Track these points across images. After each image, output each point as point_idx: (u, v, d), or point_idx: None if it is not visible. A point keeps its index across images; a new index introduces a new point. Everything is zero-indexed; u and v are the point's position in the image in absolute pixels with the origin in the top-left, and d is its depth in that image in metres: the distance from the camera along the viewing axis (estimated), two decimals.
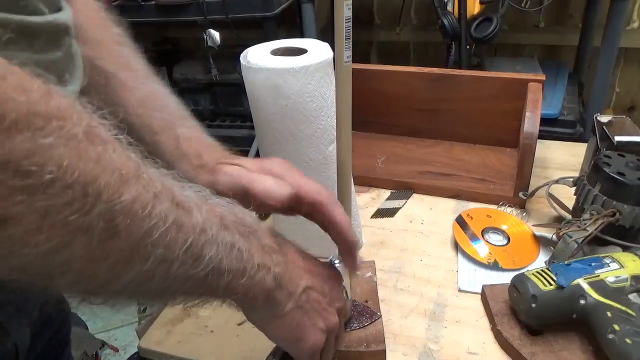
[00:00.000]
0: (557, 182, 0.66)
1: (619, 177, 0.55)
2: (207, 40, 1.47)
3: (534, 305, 0.48)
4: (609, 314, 0.46)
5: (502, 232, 0.66)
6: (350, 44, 0.37)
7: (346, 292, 0.47)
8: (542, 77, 0.77)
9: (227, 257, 0.31)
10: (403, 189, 0.79)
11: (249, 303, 0.34)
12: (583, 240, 0.55)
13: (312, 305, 0.38)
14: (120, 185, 0.24)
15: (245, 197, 0.39)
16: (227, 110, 1.80)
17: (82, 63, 0.42)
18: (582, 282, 0.48)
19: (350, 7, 0.35)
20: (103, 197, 0.23)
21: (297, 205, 0.40)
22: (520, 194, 0.71)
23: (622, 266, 0.50)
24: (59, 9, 0.36)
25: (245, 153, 1.42)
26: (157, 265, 0.27)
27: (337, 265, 0.44)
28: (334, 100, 0.55)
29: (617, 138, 0.64)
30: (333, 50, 0.53)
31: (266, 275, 0.34)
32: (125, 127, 0.27)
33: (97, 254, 0.24)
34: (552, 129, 1.39)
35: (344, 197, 0.45)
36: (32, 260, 0.22)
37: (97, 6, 0.49)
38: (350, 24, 0.36)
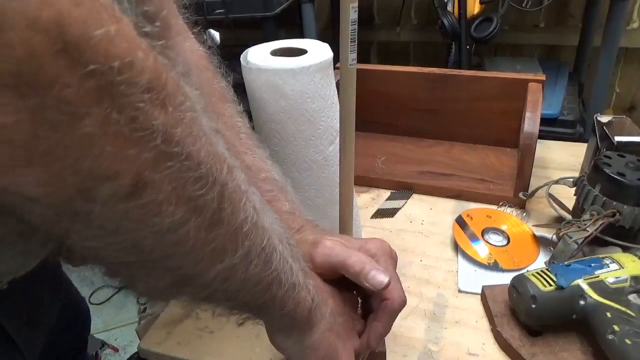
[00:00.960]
0: (557, 182, 0.66)
1: (619, 178, 0.55)
2: (206, 40, 1.46)
3: (533, 305, 0.48)
4: (608, 314, 0.46)
5: (502, 233, 0.66)
6: (356, 46, 0.36)
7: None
8: (542, 77, 0.77)
9: (284, 268, 0.32)
10: (403, 189, 0.79)
11: (293, 319, 0.35)
12: (583, 241, 0.55)
13: (339, 327, 0.39)
14: (228, 174, 0.26)
15: (339, 271, 0.40)
16: None
17: None
18: (582, 283, 0.49)
19: (357, 9, 0.34)
20: (219, 180, 0.25)
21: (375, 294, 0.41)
22: (520, 194, 0.70)
23: (622, 267, 0.50)
24: None
25: None
26: (241, 259, 0.28)
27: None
28: (334, 101, 0.55)
29: (617, 138, 0.64)
30: (333, 51, 0.53)
31: (307, 294, 0.35)
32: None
33: (203, 238, 0.25)
34: (552, 129, 1.39)
35: (345, 199, 0.45)
36: (152, 235, 0.23)
37: (205, 55, 0.51)
38: (356, 26, 0.35)
